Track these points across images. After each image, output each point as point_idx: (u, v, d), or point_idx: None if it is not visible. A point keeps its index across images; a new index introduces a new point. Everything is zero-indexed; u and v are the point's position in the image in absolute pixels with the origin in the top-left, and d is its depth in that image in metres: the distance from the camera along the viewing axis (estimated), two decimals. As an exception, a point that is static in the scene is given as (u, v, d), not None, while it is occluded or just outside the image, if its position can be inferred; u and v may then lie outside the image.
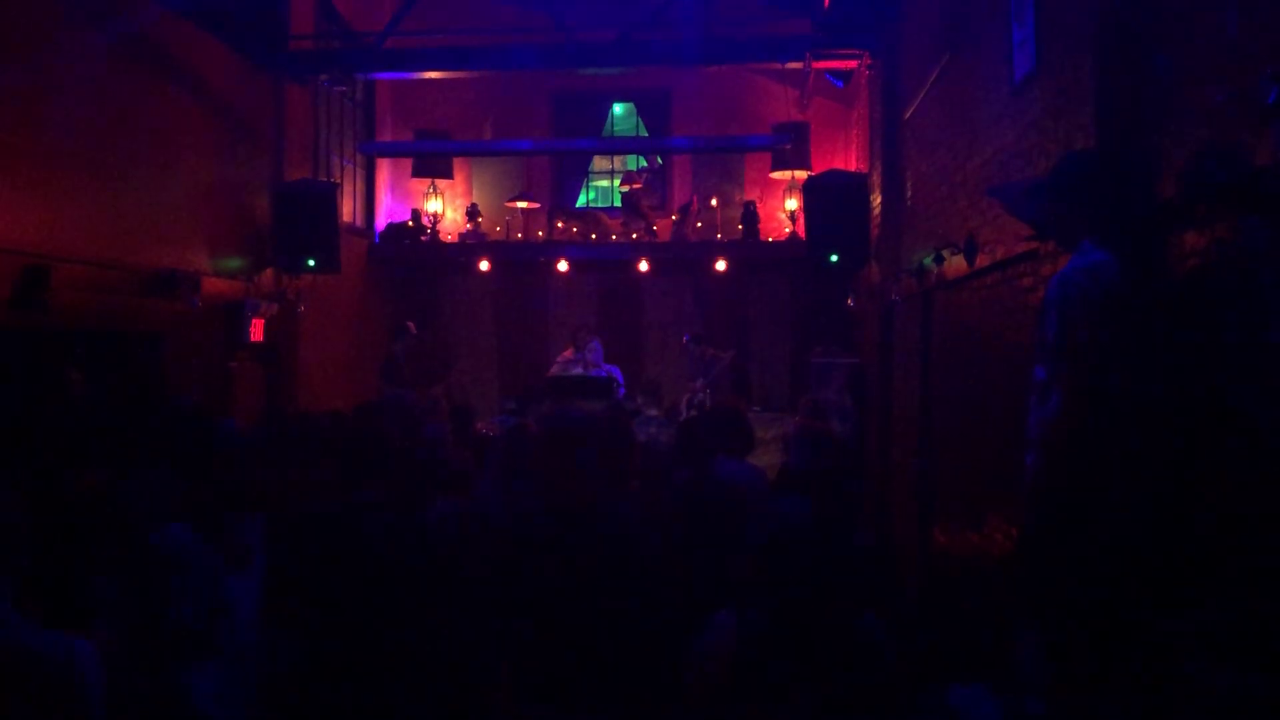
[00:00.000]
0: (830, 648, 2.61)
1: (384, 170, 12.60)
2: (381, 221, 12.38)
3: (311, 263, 9.24)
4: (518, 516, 3.76)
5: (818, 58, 9.02)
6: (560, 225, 12.53)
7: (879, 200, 8.72)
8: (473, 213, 12.58)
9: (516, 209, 12.64)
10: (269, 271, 9.14)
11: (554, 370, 10.75)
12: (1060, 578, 2.97)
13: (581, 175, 13.54)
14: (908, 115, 7.64)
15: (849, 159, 11.08)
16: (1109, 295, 2.87)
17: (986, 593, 5.05)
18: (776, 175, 12.07)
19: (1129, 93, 3.43)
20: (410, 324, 10.47)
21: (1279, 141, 2.34)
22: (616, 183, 13.18)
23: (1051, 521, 2.93)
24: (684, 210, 12.27)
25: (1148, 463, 2.87)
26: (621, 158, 13.45)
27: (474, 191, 13.01)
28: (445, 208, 12.70)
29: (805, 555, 2.61)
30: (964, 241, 5.33)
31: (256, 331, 8.55)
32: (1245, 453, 2.62)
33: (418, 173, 12.53)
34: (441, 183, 12.59)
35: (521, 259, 12.31)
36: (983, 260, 5.09)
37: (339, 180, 11.05)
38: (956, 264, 5.61)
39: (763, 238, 12.03)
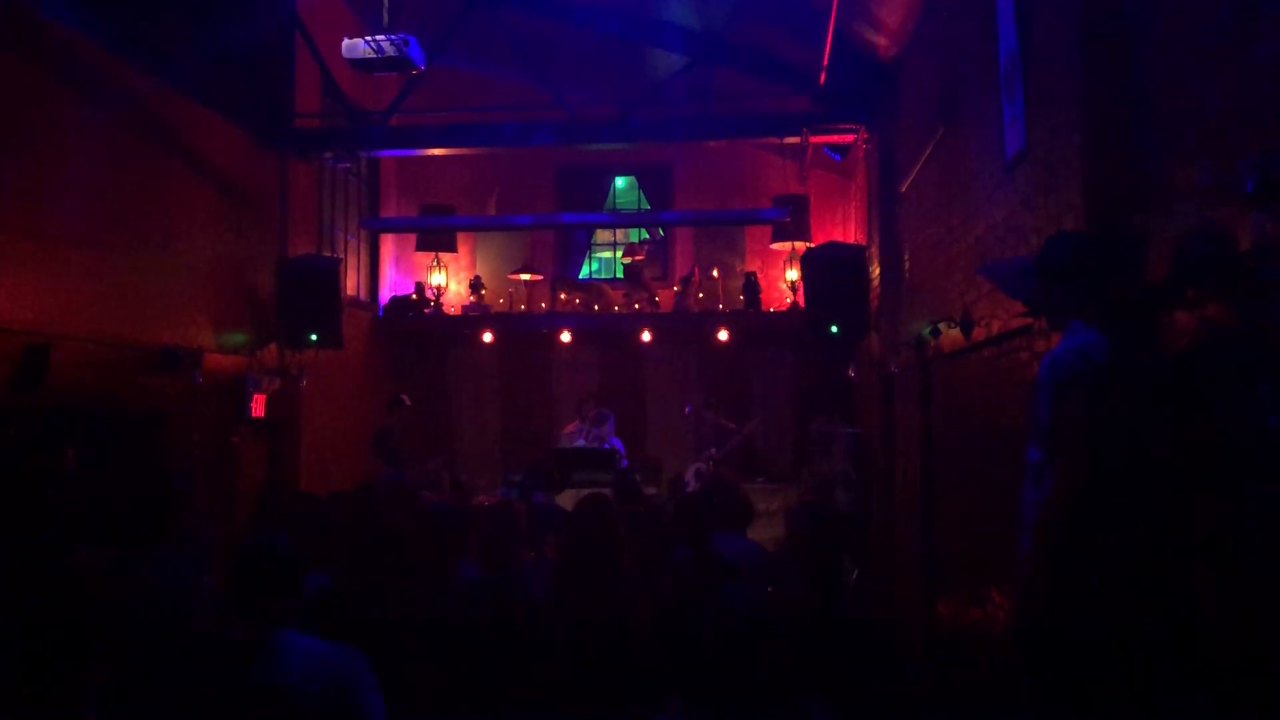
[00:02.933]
0: None
1: (388, 244, 12.71)
2: (385, 294, 12.46)
3: (314, 337, 9.28)
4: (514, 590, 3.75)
5: (815, 132, 9.12)
6: (563, 296, 12.60)
7: (877, 272, 8.77)
8: (476, 285, 12.66)
9: (520, 281, 12.72)
10: (272, 346, 9.17)
11: (562, 443, 10.72)
12: (1056, 659, 2.93)
13: (584, 247, 13.63)
14: (904, 188, 7.71)
15: (848, 230, 11.16)
16: (1099, 376, 2.87)
17: (990, 667, 4.99)
18: (777, 246, 12.15)
19: (1117, 173, 3.47)
20: (404, 396, 10.42)
21: (1260, 227, 2.36)
22: (619, 254, 13.27)
23: (1046, 603, 2.90)
24: (685, 281, 12.33)
25: (1142, 544, 2.84)
26: (625, 229, 13.56)
27: (478, 264, 13.10)
28: (449, 280, 12.79)
29: (750, 645, 2.58)
30: (960, 315, 5.35)
31: (258, 407, 8.56)
32: (1240, 535, 2.60)
33: (422, 246, 12.64)
34: (445, 256, 12.69)
35: (525, 330, 12.36)
36: (979, 334, 5.10)
37: (343, 254, 11.13)
38: (953, 337, 5.63)
39: (764, 308, 12.08)
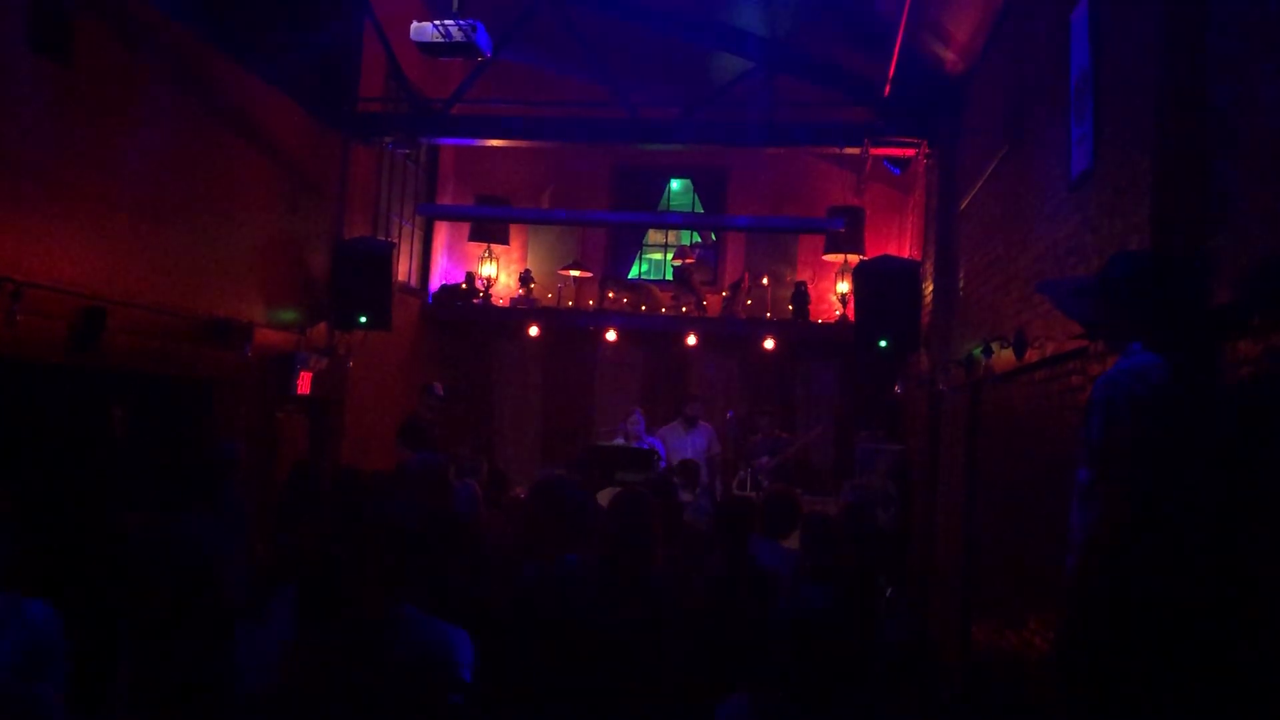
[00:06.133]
0: None
1: (442, 232, 12.79)
2: (436, 282, 12.54)
3: (364, 319, 9.36)
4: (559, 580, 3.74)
5: (876, 144, 9.05)
6: (611, 295, 12.60)
7: (931, 288, 8.69)
8: (525, 278, 12.70)
9: (569, 277, 12.75)
10: (322, 325, 9.26)
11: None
12: (1096, 682, 2.87)
13: (635, 247, 13.63)
14: (964, 205, 7.63)
15: (903, 245, 11.07)
16: (1156, 399, 2.81)
17: (1026, 694, 4.91)
18: (829, 257, 12.07)
19: (1187, 195, 3.39)
20: (436, 384, 10.36)
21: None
22: (669, 256, 13.26)
23: (1090, 627, 2.84)
24: (735, 287, 12.29)
25: (1192, 572, 2.77)
26: (676, 232, 13.55)
27: (528, 258, 13.15)
28: (499, 272, 12.84)
29: (825, 643, 2.57)
30: (1014, 335, 5.28)
31: (304, 384, 8.63)
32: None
33: (475, 236, 12.70)
34: (497, 247, 12.74)
35: (571, 326, 12.38)
36: (1032, 355, 5.03)
37: (397, 239, 11.22)
38: (1005, 357, 5.55)
39: (813, 319, 12.01)
